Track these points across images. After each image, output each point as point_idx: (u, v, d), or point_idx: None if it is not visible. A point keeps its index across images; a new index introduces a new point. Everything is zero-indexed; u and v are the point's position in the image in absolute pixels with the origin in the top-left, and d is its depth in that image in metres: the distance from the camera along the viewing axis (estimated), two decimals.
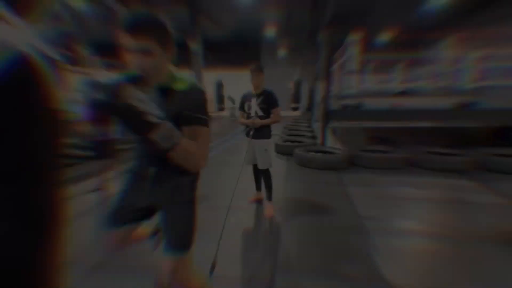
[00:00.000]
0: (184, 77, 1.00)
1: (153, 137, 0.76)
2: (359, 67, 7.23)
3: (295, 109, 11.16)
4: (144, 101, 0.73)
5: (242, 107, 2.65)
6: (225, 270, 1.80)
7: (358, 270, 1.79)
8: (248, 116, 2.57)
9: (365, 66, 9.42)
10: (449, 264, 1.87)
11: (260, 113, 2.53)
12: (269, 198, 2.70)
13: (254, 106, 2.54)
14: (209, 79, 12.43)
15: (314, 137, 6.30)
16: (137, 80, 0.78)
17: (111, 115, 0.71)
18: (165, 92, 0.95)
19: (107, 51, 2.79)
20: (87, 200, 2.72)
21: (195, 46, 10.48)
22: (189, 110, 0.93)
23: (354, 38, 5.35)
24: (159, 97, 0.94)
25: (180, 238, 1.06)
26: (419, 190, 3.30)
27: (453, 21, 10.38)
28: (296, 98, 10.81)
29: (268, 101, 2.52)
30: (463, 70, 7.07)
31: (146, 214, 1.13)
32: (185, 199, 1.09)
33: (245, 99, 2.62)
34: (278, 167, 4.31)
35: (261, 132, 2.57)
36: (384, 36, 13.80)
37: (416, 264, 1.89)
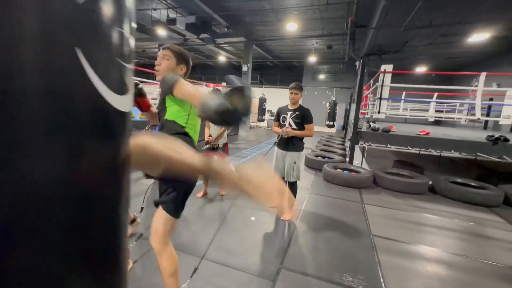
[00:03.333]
0: None
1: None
2: (392, 95, 6.92)
3: (330, 126, 11.03)
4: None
5: (277, 119, 2.79)
6: (234, 256, 2.01)
7: (358, 282, 1.83)
8: (282, 128, 2.68)
9: (399, 94, 8.96)
10: None
11: (293, 126, 2.62)
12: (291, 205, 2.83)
13: (288, 119, 2.65)
14: (255, 94, 13.00)
15: (344, 155, 6.19)
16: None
17: None
18: None
19: None
20: None
21: (245, 68, 11.09)
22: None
23: (387, 67, 5.20)
24: None
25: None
26: (436, 217, 3.09)
27: (489, 60, 9.65)
28: (332, 117, 10.70)
29: (303, 117, 2.60)
30: (499, 106, 6.35)
31: None
32: None
33: (281, 112, 2.75)
34: (305, 180, 4.39)
35: (294, 144, 2.63)
36: (420, 69, 13.06)
37: (416, 283, 1.85)
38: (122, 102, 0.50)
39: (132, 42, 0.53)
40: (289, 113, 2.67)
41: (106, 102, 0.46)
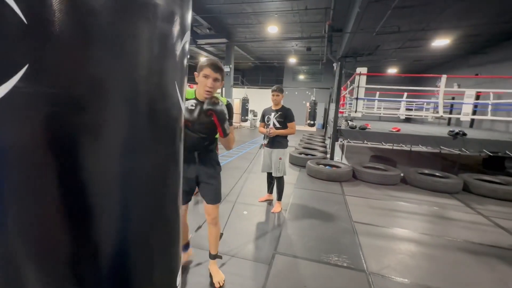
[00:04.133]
0: (223, 98, 1.66)
1: (224, 127, 1.43)
2: (367, 95, 7.48)
3: (311, 125, 11.48)
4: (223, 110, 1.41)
5: (263, 120, 3.01)
6: (233, 246, 2.19)
7: (343, 260, 2.09)
8: (267, 127, 2.91)
9: (374, 94, 9.64)
10: (419, 261, 2.12)
11: (277, 125, 2.85)
12: (279, 198, 3.06)
13: (272, 119, 2.87)
14: (237, 95, 13.13)
15: (325, 152, 6.55)
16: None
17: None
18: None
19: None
20: None
21: (227, 69, 11.20)
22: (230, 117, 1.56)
23: (362, 69, 5.63)
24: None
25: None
26: (407, 204, 3.48)
27: (450, 62, 10.86)
28: (312, 116, 11.15)
29: (285, 116, 2.84)
30: (459, 104, 7.15)
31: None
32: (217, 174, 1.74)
33: (266, 113, 2.98)
34: (291, 176, 4.64)
35: (279, 142, 2.87)
36: (391, 70, 14.04)
37: (391, 259, 2.15)
38: (183, 105, 0.75)
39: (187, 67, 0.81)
40: (273, 113, 2.90)
41: (181, 108, 0.72)
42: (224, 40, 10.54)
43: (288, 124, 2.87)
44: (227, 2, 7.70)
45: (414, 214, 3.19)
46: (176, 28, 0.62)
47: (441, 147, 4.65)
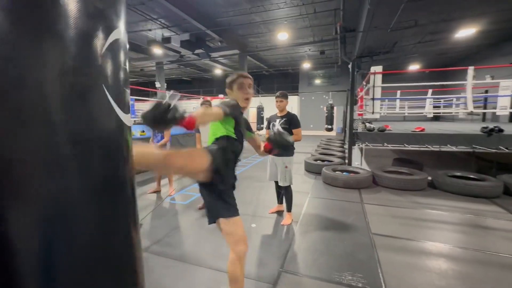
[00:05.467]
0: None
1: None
2: (387, 94, 7.03)
3: (328, 130, 11.09)
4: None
5: (268, 127, 2.94)
6: None
7: (358, 279, 1.86)
8: None
9: (395, 93, 9.05)
10: (450, 281, 1.81)
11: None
12: (289, 209, 2.88)
13: (277, 125, 2.78)
14: (253, 103, 13.17)
15: (344, 157, 6.21)
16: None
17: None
18: None
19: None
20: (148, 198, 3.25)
21: None
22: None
23: (377, 68, 5.31)
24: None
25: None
26: (436, 212, 3.10)
27: (480, 53, 9.90)
28: (330, 120, 10.78)
29: (290, 123, 2.73)
30: (495, 97, 6.41)
31: None
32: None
33: (271, 120, 2.91)
34: (305, 184, 4.42)
35: (284, 150, 2.76)
36: (413, 67, 13.27)
37: (416, 278, 1.86)
38: (127, 119, 0.66)
39: (127, 71, 0.70)
40: (278, 120, 2.82)
41: (121, 120, 0.63)
42: (236, 51, 10.70)
43: (294, 130, 2.74)
44: (236, 14, 7.83)
45: (444, 223, 2.82)
46: (99, 25, 0.56)
47: (474, 146, 4.16)
